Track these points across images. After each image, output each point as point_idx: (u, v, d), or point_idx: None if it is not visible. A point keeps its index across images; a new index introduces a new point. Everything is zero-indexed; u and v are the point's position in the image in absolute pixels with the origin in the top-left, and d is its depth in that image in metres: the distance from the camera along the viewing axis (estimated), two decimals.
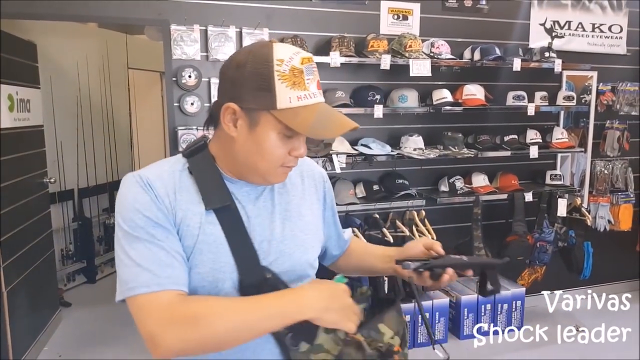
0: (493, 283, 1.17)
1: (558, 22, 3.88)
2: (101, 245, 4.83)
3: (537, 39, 3.82)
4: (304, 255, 1.10)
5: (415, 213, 3.42)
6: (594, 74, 4.00)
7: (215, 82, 3.10)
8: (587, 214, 3.85)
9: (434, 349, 1.36)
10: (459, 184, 3.57)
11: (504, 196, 3.64)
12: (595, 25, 3.98)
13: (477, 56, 3.48)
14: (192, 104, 3.07)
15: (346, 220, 3.33)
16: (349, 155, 3.18)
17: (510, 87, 3.65)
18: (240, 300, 0.97)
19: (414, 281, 1.15)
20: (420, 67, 3.20)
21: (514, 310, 3.70)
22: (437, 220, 3.57)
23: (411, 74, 3.19)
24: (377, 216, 3.37)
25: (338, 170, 3.12)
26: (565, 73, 3.90)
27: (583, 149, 4.02)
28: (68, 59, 4.47)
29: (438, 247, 1.18)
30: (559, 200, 3.74)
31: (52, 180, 3.84)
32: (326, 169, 3.11)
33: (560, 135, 3.74)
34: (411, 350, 3.46)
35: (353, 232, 3.10)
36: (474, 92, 3.46)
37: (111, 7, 2.96)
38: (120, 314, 3.85)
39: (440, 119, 3.58)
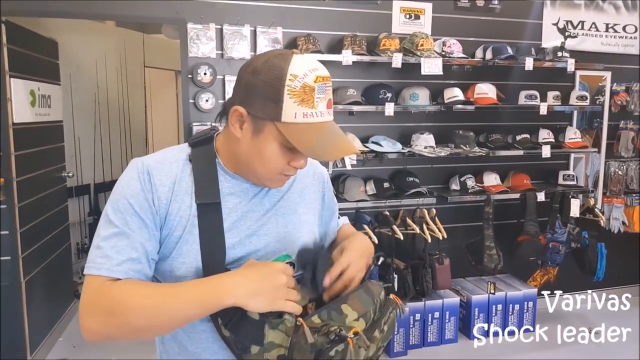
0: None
1: (571, 21, 3.87)
2: None
3: (550, 39, 3.82)
4: (295, 252, 1.09)
5: (425, 211, 3.43)
6: (608, 74, 3.99)
7: (229, 79, 3.16)
8: (600, 214, 3.82)
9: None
10: (470, 182, 3.57)
11: (516, 196, 3.63)
12: (609, 25, 3.97)
13: (489, 55, 3.49)
14: (206, 100, 3.14)
15: (356, 217, 3.36)
16: (359, 152, 3.21)
17: (523, 87, 3.65)
18: (161, 287, 0.98)
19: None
20: (431, 66, 3.22)
21: (525, 311, 3.69)
22: (448, 219, 3.58)
23: (422, 73, 3.21)
24: (387, 213, 3.39)
25: (349, 167, 3.15)
26: (579, 73, 3.89)
27: (597, 149, 4.01)
28: (87, 57, 4.58)
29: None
30: (572, 200, 3.72)
31: (70, 174, 3.93)
32: (336, 166, 3.15)
33: (573, 135, 3.73)
34: (420, 349, 3.47)
35: (363, 229, 3.11)
36: (486, 91, 3.47)
37: (130, 6, 3.04)
38: None
39: (451, 118, 3.59)
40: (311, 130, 0.96)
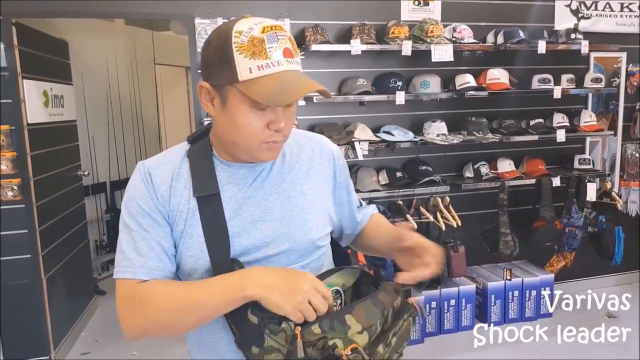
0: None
1: (584, 2, 3.80)
2: None
3: (563, 21, 3.75)
4: (307, 234, 1.07)
5: (439, 199, 3.42)
6: (623, 55, 3.91)
7: None
8: (617, 198, 3.77)
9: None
10: (484, 169, 3.55)
11: (531, 181, 3.59)
12: (624, 5, 3.88)
13: (500, 40, 3.44)
14: None
15: None
16: (371, 142, 3.20)
17: (535, 71, 3.59)
18: (186, 283, 1.01)
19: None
20: (442, 53, 3.19)
21: (542, 297, 3.67)
22: (462, 207, 3.56)
23: (433, 60, 3.18)
24: (401, 203, 3.38)
25: (360, 158, 3.15)
26: (593, 55, 3.82)
27: (613, 132, 3.94)
28: (98, 56, 4.61)
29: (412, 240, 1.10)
30: (588, 184, 3.67)
31: (85, 172, 3.99)
32: (348, 157, 3.14)
33: (588, 118, 3.67)
34: (437, 337, 3.47)
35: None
36: (498, 76, 3.43)
37: (138, 4, 3.05)
38: None
39: (463, 105, 3.56)
40: (270, 80, 0.92)
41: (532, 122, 3.59)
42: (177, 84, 6.11)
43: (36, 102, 3.14)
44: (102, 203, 4.67)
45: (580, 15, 3.79)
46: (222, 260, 1.00)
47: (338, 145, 3.09)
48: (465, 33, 3.36)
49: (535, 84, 3.55)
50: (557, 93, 3.48)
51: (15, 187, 2.93)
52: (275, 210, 1.06)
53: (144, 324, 0.98)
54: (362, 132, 3.22)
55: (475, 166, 3.58)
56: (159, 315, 0.96)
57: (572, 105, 3.81)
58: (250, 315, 0.94)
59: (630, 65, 3.94)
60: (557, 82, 3.59)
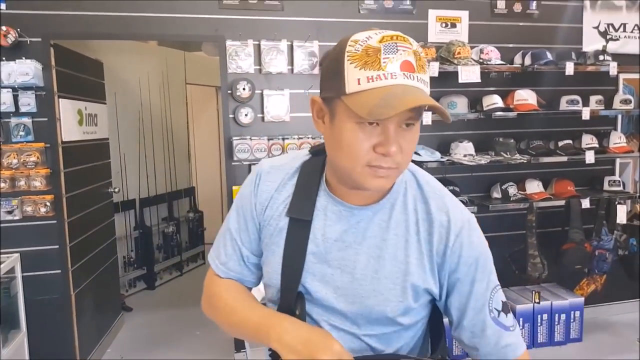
0: None
1: (612, 24, 3.79)
2: (160, 253, 5.01)
3: (591, 43, 3.74)
4: (380, 305, 0.94)
5: None
6: None
7: (267, 94, 3.22)
8: None
9: None
10: (512, 190, 3.51)
11: (560, 203, 3.55)
12: None
13: (527, 61, 3.44)
14: (246, 115, 3.20)
15: None
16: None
17: (563, 92, 3.58)
18: (241, 301, 1.04)
19: None
20: (469, 74, 3.20)
21: (572, 321, 3.59)
22: (490, 228, 3.51)
23: (460, 81, 3.19)
24: None
25: None
26: (622, 76, 3.79)
27: None
28: (131, 76, 4.74)
29: None
30: (618, 206, 3.61)
31: (116, 190, 4.07)
32: None
33: (617, 139, 3.62)
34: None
35: None
36: (526, 97, 3.42)
37: (171, 26, 3.14)
38: (178, 319, 4.03)
39: (490, 125, 3.55)
40: (378, 93, 0.79)
41: (560, 143, 3.56)
42: (207, 104, 6.22)
43: (71, 120, 3.24)
44: (131, 220, 4.75)
45: (608, 37, 3.78)
46: (291, 289, 0.97)
47: None
48: (493, 55, 3.37)
49: (564, 105, 3.54)
50: (585, 114, 3.45)
51: (48, 204, 3.00)
52: (359, 265, 0.95)
53: (210, 312, 1.08)
54: None
55: (503, 187, 3.54)
56: (217, 318, 1.06)
57: (601, 127, 3.77)
58: (269, 357, 0.99)
59: None
60: (586, 103, 3.56)
